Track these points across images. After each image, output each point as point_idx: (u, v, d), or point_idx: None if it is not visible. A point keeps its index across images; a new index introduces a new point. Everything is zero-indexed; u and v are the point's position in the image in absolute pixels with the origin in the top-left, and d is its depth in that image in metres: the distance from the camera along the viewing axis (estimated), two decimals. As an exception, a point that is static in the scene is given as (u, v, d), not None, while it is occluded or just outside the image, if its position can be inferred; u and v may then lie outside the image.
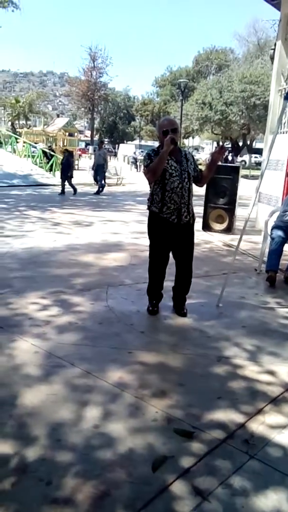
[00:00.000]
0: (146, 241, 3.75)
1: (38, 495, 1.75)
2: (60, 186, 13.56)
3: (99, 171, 14.03)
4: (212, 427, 2.23)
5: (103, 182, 14.28)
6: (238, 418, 2.33)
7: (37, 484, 1.81)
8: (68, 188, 13.29)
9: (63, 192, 13.33)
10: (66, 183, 13.37)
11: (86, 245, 6.27)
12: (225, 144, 35.71)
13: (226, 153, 26.88)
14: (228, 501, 1.76)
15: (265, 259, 5.15)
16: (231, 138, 35.79)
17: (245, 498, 1.79)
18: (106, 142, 59.21)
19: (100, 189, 14.08)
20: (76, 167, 25.12)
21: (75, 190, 13.47)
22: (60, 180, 13.93)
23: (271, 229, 5.25)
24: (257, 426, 2.27)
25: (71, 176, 13.60)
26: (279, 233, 5.05)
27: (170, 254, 3.71)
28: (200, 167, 3.72)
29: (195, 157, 3.71)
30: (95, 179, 14.38)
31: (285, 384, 2.70)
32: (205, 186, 7.92)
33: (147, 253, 3.75)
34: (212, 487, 1.82)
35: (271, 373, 2.84)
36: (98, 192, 13.97)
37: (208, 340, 3.31)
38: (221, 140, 40.16)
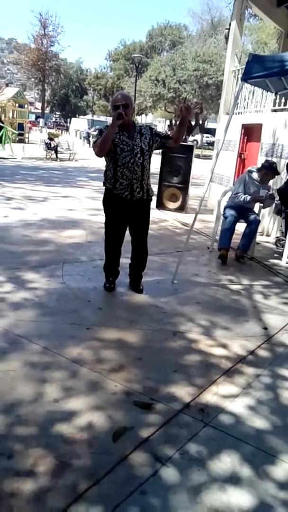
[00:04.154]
0: (102, 218, 3.74)
1: (0, 469, 1.76)
2: None
3: None
4: (169, 398, 2.33)
5: None
6: (193, 389, 2.43)
7: (-2, 458, 1.81)
8: (19, 161, 12.63)
9: None
10: None
11: (41, 221, 6.14)
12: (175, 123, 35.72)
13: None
14: (185, 465, 1.86)
15: (218, 237, 5.30)
16: (184, 117, 35.79)
17: (201, 462, 1.89)
18: (57, 116, 57.45)
19: None
20: (26, 140, 24.32)
21: None
22: None
23: (224, 209, 5.40)
24: (211, 396, 2.39)
25: None
26: (232, 212, 5.20)
27: (127, 232, 3.72)
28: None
29: (154, 129, 3.59)
30: None
31: (237, 357, 2.85)
32: (159, 165, 7.97)
33: (103, 230, 3.75)
34: (170, 454, 1.92)
35: (224, 346, 2.98)
36: None
37: (164, 315, 3.40)
38: (174, 119, 40.14)
